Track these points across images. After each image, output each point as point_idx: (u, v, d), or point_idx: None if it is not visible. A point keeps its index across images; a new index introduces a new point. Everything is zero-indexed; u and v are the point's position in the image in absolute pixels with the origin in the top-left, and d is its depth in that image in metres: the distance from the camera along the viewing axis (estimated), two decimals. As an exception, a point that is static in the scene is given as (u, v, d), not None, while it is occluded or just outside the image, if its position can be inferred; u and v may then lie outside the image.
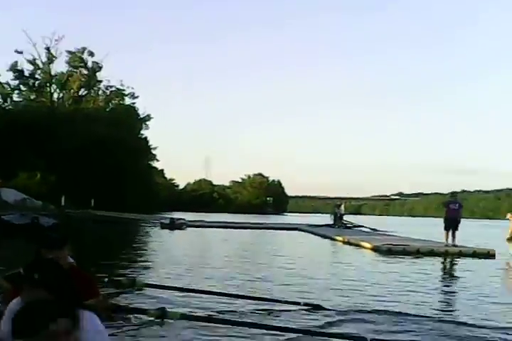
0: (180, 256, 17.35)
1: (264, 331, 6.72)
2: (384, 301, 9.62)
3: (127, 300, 8.57)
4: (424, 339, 7.05)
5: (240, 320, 7.10)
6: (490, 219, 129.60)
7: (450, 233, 20.44)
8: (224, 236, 29.45)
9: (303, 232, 34.97)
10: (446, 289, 12.72)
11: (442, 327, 7.66)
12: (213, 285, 9.51)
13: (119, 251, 18.34)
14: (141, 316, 6.56)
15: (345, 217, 40.00)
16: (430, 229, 34.59)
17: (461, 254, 19.35)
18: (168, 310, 6.28)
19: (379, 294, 10.50)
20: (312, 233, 33.01)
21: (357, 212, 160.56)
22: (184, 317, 6.49)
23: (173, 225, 33.08)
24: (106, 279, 7.92)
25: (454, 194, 22.59)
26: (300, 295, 9.57)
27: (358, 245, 23.07)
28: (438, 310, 9.21)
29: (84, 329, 3.15)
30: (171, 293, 8.59)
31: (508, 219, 19.99)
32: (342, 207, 39.94)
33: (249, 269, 14.31)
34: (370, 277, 13.37)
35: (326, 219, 42.85)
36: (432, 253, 19.43)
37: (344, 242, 25.19)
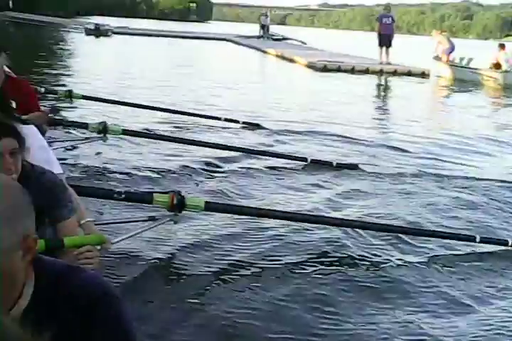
0: (112, 64, 16.79)
1: (205, 148, 6.76)
2: (322, 121, 9.72)
3: (66, 113, 8.37)
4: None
5: (179, 137, 7.10)
6: (414, 34, 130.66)
7: (384, 49, 19.99)
8: (152, 44, 28.61)
9: (231, 43, 34.16)
10: (380, 109, 13.04)
11: (376, 150, 7.89)
12: (149, 100, 9.30)
13: (47, 59, 17.51)
14: (82, 131, 6.41)
15: (271, 28, 38.88)
16: (359, 44, 34.51)
17: (396, 73, 19.31)
18: (109, 124, 6.11)
19: (317, 113, 10.61)
20: (241, 44, 32.26)
21: (282, 22, 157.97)
22: (125, 132, 6.36)
23: (99, 31, 31.72)
24: (42, 89, 7.55)
25: (387, 7, 21.26)
26: (238, 113, 9.53)
27: (291, 60, 22.54)
28: (373, 132, 9.42)
29: (27, 145, 3.04)
30: (109, 106, 8.38)
31: (434, 36, 19.74)
32: (268, 17, 38.62)
33: (181, 83, 14.10)
34: (307, 94, 13.44)
35: (254, 29, 41.79)
36: (367, 71, 19.32)
37: (277, 56, 24.59)
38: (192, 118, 8.58)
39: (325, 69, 19.44)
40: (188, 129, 8.29)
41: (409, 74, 19.27)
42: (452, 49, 19.05)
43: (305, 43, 35.72)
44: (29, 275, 1.21)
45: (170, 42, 31.33)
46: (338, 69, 19.34)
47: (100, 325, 1.23)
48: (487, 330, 3.29)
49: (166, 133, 7.48)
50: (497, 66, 17.74)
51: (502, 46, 17.87)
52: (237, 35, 38.95)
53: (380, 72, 19.33)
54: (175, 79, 14.46)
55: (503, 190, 6.15)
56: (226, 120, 8.59)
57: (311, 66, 20.28)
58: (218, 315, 3.19)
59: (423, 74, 19.40)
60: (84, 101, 7.95)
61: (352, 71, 19.29)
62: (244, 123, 8.73)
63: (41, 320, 1.18)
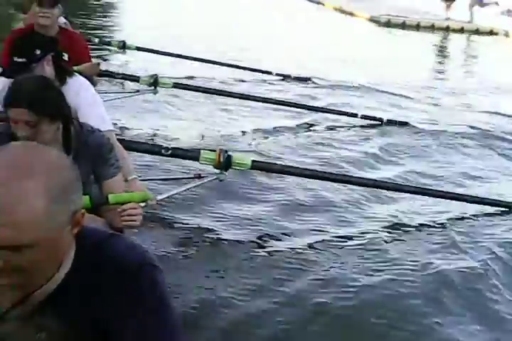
0: (162, 15, 16.60)
1: (255, 103, 6.69)
2: (378, 78, 9.41)
3: (118, 65, 8.36)
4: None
5: (230, 91, 7.05)
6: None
7: (447, 3, 18.76)
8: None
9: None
10: (442, 70, 12.55)
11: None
12: (203, 53, 9.18)
13: (97, 11, 17.40)
14: (134, 83, 6.41)
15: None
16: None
17: (463, 30, 18.27)
18: (160, 77, 6.10)
19: (374, 69, 10.31)
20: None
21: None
22: (176, 85, 6.34)
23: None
24: (96, 40, 7.56)
25: None
26: (290, 66, 9.37)
27: (351, 14, 21.31)
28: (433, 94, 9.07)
29: (79, 96, 3.04)
30: (162, 58, 8.34)
31: None
32: None
33: (233, 34, 13.85)
34: (367, 50, 13.00)
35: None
36: (432, 28, 18.33)
37: (335, 9, 23.13)
38: (243, 71, 8.50)
39: (389, 24, 18.51)
40: (239, 83, 8.23)
41: (476, 32, 18.23)
42: None
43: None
44: (71, 244, 1.22)
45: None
46: (403, 25, 18.43)
47: (137, 293, 1.23)
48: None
49: (217, 87, 7.43)
50: None
51: None
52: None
53: (446, 29, 18.32)
54: (226, 29, 14.18)
55: None
56: (278, 75, 8.58)
57: (373, 20, 19.24)
58: (260, 286, 3.12)
59: (491, 33, 18.29)
60: (138, 52, 7.94)
61: (417, 27, 18.39)
62: (295, 78, 8.66)
63: (81, 288, 1.21)
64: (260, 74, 8.53)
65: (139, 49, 7.82)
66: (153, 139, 5.24)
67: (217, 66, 8.52)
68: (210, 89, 7.19)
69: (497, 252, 3.74)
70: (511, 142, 6.47)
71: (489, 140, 6.49)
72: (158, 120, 6.13)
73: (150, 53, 8.14)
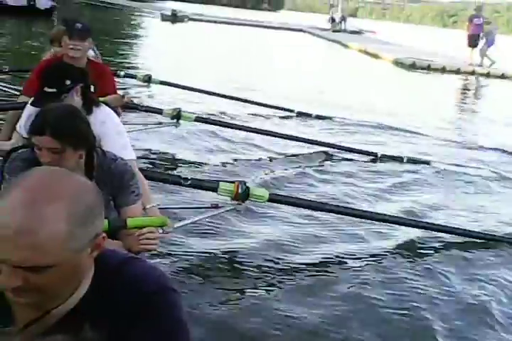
0: (187, 49, 16.90)
1: (276, 139, 6.77)
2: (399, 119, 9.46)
3: (142, 97, 8.53)
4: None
5: (250, 126, 7.13)
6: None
7: (474, 50, 18.84)
8: (228, 32, 28.71)
9: (309, 35, 33.73)
10: (468, 110, 12.57)
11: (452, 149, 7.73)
12: (229, 90, 9.31)
13: (126, 43, 17.87)
14: (157, 116, 6.53)
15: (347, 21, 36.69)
16: (435, 40, 33.42)
17: (489, 75, 18.18)
18: (183, 111, 6.21)
19: (397, 111, 10.38)
20: (320, 37, 31.58)
21: (353, 14, 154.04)
22: (198, 119, 6.44)
23: (175, 18, 32.02)
24: (122, 73, 7.73)
25: (478, 8, 20.26)
26: (312, 106, 9.45)
27: (375, 55, 21.34)
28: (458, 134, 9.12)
29: (104, 125, 3.10)
30: (184, 93, 8.49)
31: None
32: (339, 7, 37.14)
33: (256, 72, 14.08)
34: (391, 91, 13.06)
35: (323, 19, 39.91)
36: (458, 72, 18.26)
37: (360, 51, 23.37)
38: (265, 109, 8.61)
39: (413, 66, 18.39)
40: (260, 119, 8.32)
41: (503, 76, 18.15)
42: None
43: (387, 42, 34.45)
44: (90, 266, 1.24)
45: (245, 31, 31.25)
46: (428, 68, 18.30)
47: (154, 318, 1.24)
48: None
49: (237, 122, 7.52)
50: None
51: None
52: (311, 26, 37.77)
53: (472, 73, 18.20)
54: (256, 72, 14.37)
55: None
56: (299, 114, 8.63)
57: (398, 63, 19.09)
58: (278, 315, 3.13)
59: None
60: (162, 86, 8.09)
61: (442, 70, 18.27)
62: (317, 116, 8.69)
63: (97, 310, 1.22)
64: (283, 111, 8.59)
65: (162, 83, 7.98)
66: (173, 170, 5.31)
67: (240, 102, 8.66)
68: (231, 123, 7.28)
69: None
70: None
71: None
72: (179, 151, 6.21)
73: (173, 88, 8.30)
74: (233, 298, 3.27)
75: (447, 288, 3.64)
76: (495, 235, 4.53)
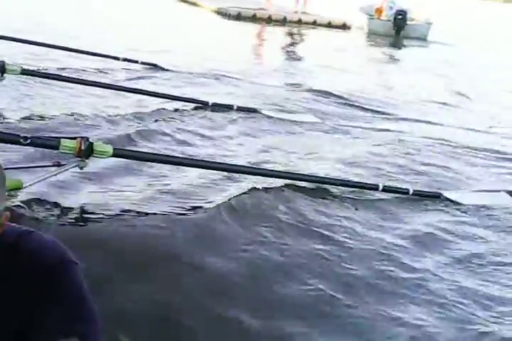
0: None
1: (108, 90, 6.68)
2: (228, 67, 9.60)
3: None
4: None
5: (80, 78, 6.98)
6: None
7: None
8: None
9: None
10: (291, 58, 12.88)
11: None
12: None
13: None
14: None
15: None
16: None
17: (315, 24, 18.36)
18: (8, 63, 5.88)
19: (225, 59, 10.50)
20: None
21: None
22: (25, 72, 6.14)
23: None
24: None
25: None
26: (136, 53, 9.26)
27: (194, 3, 20.53)
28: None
29: None
30: (11, 44, 7.96)
31: None
32: None
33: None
34: (217, 40, 13.00)
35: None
36: (284, 21, 18.28)
37: None
38: (89, 57, 8.37)
39: (238, 17, 17.95)
40: (87, 70, 8.08)
41: (329, 25, 18.43)
42: None
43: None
44: None
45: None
46: (253, 18, 18.04)
47: (57, 291, 1.26)
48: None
49: (67, 74, 7.24)
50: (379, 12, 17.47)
51: None
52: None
53: (298, 23, 18.32)
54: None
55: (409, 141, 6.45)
56: (125, 60, 8.49)
57: (221, 13, 18.50)
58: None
59: (344, 26, 18.55)
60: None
61: (269, 20, 18.16)
62: (142, 63, 8.62)
63: None
64: (107, 59, 8.37)
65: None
66: (7, 128, 5.05)
67: (63, 51, 8.27)
68: (61, 76, 6.97)
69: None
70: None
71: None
72: (10, 108, 5.88)
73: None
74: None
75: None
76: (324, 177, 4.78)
